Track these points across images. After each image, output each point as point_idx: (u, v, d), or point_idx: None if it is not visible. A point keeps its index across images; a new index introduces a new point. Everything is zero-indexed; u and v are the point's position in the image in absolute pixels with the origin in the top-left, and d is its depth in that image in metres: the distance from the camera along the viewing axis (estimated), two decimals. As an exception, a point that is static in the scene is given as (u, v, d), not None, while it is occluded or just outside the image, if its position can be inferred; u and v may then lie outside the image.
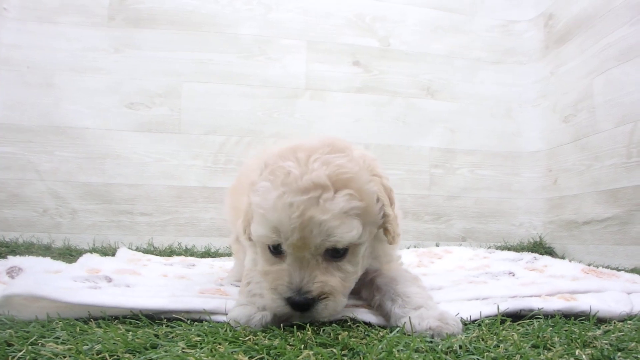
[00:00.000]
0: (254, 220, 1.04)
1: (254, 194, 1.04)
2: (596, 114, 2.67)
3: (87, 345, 0.80)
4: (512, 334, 0.91)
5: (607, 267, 1.96)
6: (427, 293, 1.14)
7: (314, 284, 0.96)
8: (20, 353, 0.75)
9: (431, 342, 0.88)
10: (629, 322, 1.07)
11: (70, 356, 0.74)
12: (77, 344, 0.80)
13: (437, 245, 2.96)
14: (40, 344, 0.81)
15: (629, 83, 2.45)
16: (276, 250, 1.01)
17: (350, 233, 0.97)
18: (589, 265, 1.97)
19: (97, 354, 0.76)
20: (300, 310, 0.97)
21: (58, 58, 2.82)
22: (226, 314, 1.07)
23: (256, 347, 0.80)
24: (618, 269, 1.97)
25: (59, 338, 0.85)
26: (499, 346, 0.83)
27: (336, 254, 1.01)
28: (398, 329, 0.97)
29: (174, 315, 1.06)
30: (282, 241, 0.98)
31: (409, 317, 0.98)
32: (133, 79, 2.90)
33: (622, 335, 0.92)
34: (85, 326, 0.95)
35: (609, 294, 1.26)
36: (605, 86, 2.61)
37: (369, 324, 1.04)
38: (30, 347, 0.78)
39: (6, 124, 2.73)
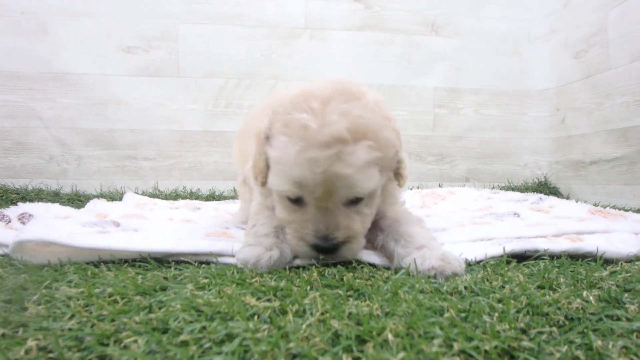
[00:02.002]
0: (272, 172, 1.04)
1: (270, 147, 1.03)
2: (609, 49, 2.54)
3: (99, 288, 0.82)
4: (518, 275, 0.92)
5: (614, 207, 1.95)
6: (430, 234, 1.14)
7: (338, 231, 1.00)
8: (35, 297, 0.76)
9: (436, 282, 0.89)
10: (636, 263, 1.08)
11: (83, 299, 0.76)
12: (89, 287, 0.81)
13: (441, 186, 2.96)
14: (54, 288, 0.83)
15: (646, 16, 2.31)
16: (296, 200, 1.03)
17: (371, 183, 1.00)
18: (596, 205, 1.97)
19: (109, 297, 0.77)
20: (326, 253, 1.02)
21: (50, 3, 2.71)
22: (233, 256, 1.09)
23: (263, 288, 0.82)
24: (625, 210, 1.97)
25: (72, 282, 0.87)
26: (504, 287, 0.84)
27: (355, 200, 1.03)
28: (403, 270, 0.98)
29: (182, 258, 1.08)
30: (304, 194, 1.00)
31: (414, 258, 1.00)
32: (127, 23, 2.79)
33: (629, 276, 0.93)
34: (97, 270, 0.97)
35: (616, 235, 1.26)
36: (620, 19, 2.47)
37: (373, 265, 1.06)
38: (44, 291, 0.80)
39: (5, 72, 2.68)
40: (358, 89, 1.07)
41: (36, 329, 0.64)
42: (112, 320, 0.66)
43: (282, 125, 1.00)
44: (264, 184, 1.09)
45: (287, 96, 1.06)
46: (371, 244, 1.21)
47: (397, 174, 1.13)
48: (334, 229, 1.00)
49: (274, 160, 1.02)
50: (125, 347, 0.58)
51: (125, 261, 1.06)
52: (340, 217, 1.01)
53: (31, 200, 2.10)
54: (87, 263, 1.04)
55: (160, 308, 0.71)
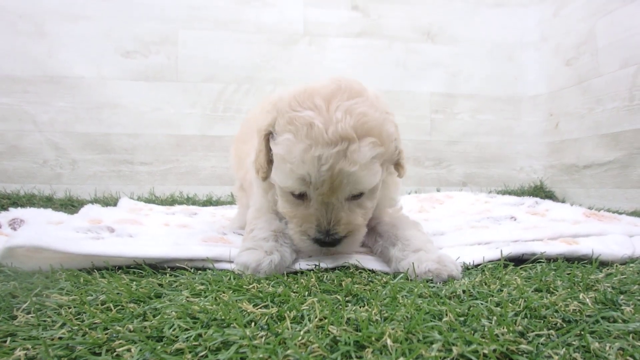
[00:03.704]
0: (276, 168, 1.05)
1: (274, 143, 1.04)
2: (599, 56, 2.60)
3: (92, 295, 0.81)
4: (515, 278, 0.92)
5: (608, 210, 1.96)
6: (427, 237, 1.15)
7: (340, 226, 1.03)
8: (25, 305, 0.75)
9: (434, 287, 0.88)
10: (631, 265, 1.08)
11: (74, 307, 0.74)
12: (81, 294, 0.80)
13: (438, 191, 2.96)
14: (44, 295, 0.81)
15: (633, 25, 2.36)
16: (300, 195, 1.05)
17: (375, 178, 1.03)
18: (590, 208, 1.97)
19: (102, 304, 0.76)
20: (327, 247, 1.05)
21: (49, 5, 2.70)
22: (230, 262, 1.08)
23: (260, 294, 0.81)
24: (619, 212, 1.98)
25: (63, 289, 0.86)
26: (502, 290, 0.84)
27: (358, 194, 1.05)
28: (401, 274, 0.98)
29: (178, 264, 1.07)
30: (309, 190, 1.01)
31: (412, 264, 0.99)
32: (126, 27, 2.79)
33: (625, 278, 0.93)
34: (89, 277, 0.96)
35: (611, 237, 1.26)
36: (609, 28, 2.52)
37: (372, 271, 1.05)
38: (34, 299, 0.78)
39: (0, 74, 2.66)
40: (359, 86, 1.09)
41: (25, 338, 0.63)
42: (105, 329, 0.64)
43: (286, 123, 1.01)
44: (265, 178, 1.10)
45: (289, 93, 1.07)
46: (370, 249, 1.20)
47: (397, 165, 1.16)
48: (336, 223, 1.02)
49: (278, 157, 1.03)
50: (118, 356, 0.57)
51: (119, 267, 1.05)
52: (342, 211, 1.03)
53: (23, 206, 2.07)
54: (80, 270, 1.02)
55: (154, 315, 0.70)
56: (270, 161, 1.09)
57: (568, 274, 0.97)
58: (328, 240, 1.03)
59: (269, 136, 1.08)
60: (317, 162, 0.96)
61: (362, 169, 0.98)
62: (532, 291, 0.84)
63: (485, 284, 0.89)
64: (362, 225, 1.08)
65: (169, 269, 1.05)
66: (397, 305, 0.75)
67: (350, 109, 0.99)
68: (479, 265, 1.08)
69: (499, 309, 0.73)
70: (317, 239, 1.03)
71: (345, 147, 0.96)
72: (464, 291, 0.83)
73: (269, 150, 1.08)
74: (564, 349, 0.59)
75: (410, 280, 0.96)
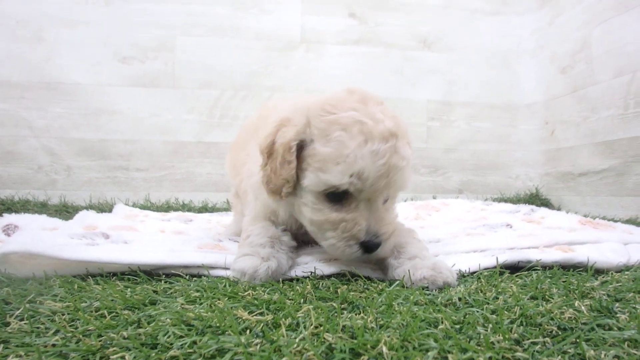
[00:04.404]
0: (321, 170, 1.01)
1: (314, 147, 1.01)
2: (594, 64, 2.62)
3: (86, 302, 0.80)
4: (511, 286, 0.92)
5: (603, 218, 1.97)
6: (422, 244, 1.14)
7: (384, 226, 1.03)
8: (18, 311, 0.74)
9: (430, 294, 0.88)
10: (626, 272, 1.08)
11: (68, 314, 0.74)
12: (75, 301, 0.79)
13: (435, 198, 2.97)
14: (38, 302, 0.81)
15: (628, 33, 2.38)
16: (336, 198, 1.02)
17: (411, 177, 1.06)
18: (586, 216, 1.98)
19: (96, 311, 0.76)
20: (371, 252, 1.02)
21: (47, 11, 2.70)
22: (225, 269, 1.08)
23: (256, 302, 0.80)
24: (614, 220, 1.99)
25: (57, 295, 0.85)
26: (497, 298, 0.84)
27: (387, 198, 1.07)
28: (397, 282, 0.98)
29: (173, 271, 1.06)
30: (357, 189, 0.99)
31: (407, 271, 0.99)
32: (124, 33, 2.80)
33: (620, 285, 0.93)
34: (83, 283, 0.95)
35: (606, 245, 1.26)
36: (604, 36, 2.55)
37: (368, 278, 1.05)
38: (28, 305, 0.78)
39: (-4, 79, 2.66)
40: (375, 94, 1.11)
41: (18, 345, 0.62)
42: (99, 336, 0.64)
43: (328, 124, 1.00)
44: (287, 195, 1.07)
45: (311, 103, 1.07)
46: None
47: None
48: (383, 225, 1.03)
49: (325, 159, 1.00)
50: (113, 362, 0.57)
51: (114, 274, 1.04)
52: (383, 213, 1.04)
53: (17, 212, 2.06)
54: (74, 276, 1.02)
55: (149, 322, 0.69)
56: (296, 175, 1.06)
57: (564, 281, 0.97)
58: (376, 242, 1.01)
59: (299, 146, 1.04)
60: (374, 157, 0.97)
61: (407, 165, 1.02)
62: (527, 299, 0.84)
63: (481, 292, 0.89)
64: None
65: (164, 276, 1.04)
66: (392, 313, 0.74)
67: (385, 111, 1.03)
68: (474, 272, 1.08)
69: (494, 316, 0.73)
70: (367, 241, 1.00)
71: (394, 143, 0.99)
72: (459, 299, 0.83)
73: (300, 161, 1.05)
74: (559, 357, 0.59)
75: (406, 287, 0.96)
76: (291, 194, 1.07)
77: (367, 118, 0.99)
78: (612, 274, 1.08)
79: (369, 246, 1.01)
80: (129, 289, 0.90)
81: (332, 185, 1.00)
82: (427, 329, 0.66)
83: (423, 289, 0.93)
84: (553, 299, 0.84)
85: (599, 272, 1.10)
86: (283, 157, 1.04)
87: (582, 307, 0.77)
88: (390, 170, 0.99)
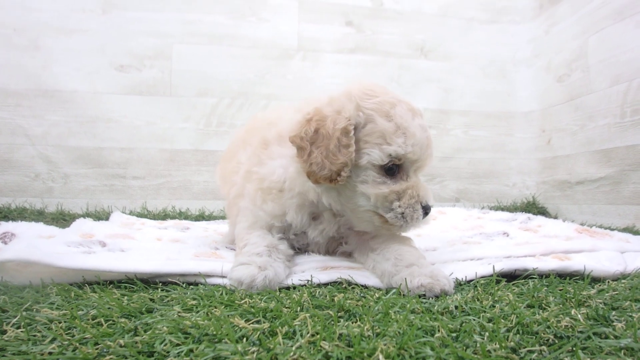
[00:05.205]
0: (383, 143, 1.10)
1: (385, 120, 1.11)
2: (590, 73, 2.64)
3: (82, 310, 0.80)
4: (508, 294, 0.92)
5: (600, 226, 1.97)
6: (419, 252, 1.15)
7: (428, 193, 1.17)
8: (15, 319, 0.74)
9: (427, 302, 0.88)
10: (622, 281, 1.09)
11: (65, 321, 0.73)
12: (72, 309, 0.79)
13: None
14: (34, 310, 0.81)
15: (624, 42, 2.40)
16: (392, 173, 1.13)
17: None
18: (582, 224, 1.99)
19: (93, 319, 0.75)
20: (426, 215, 1.15)
21: (44, 19, 2.71)
22: (222, 277, 1.07)
23: (252, 310, 0.80)
24: (611, 229, 1.99)
25: (54, 303, 0.85)
26: (494, 306, 0.84)
27: None
28: (394, 290, 0.98)
29: (169, 279, 1.06)
30: (416, 157, 1.12)
31: (405, 279, 0.99)
32: (121, 41, 2.81)
33: (616, 294, 0.93)
34: (80, 291, 0.95)
35: (603, 253, 1.27)
36: (600, 45, 2.57)
37: (364, 286, 1.05)
38: (24, 313, 0.77)
39: (-7, 87, 2.66)
40: None
41: (15, 353, 0.62)
42: (96, 344, 0.64)
43: (379, 104, 1.12)
44: (344, 179, 1.10)
45: (349, 89, 1.17)
46: (362, 264, 1.20)
47: None
48: (427, 191, 1.16)
49: (386, 132, 1.10)
50: (109, 371, 0.57)
51: (111, 282, 1.04)
52: (424, 184, 1.18)
53: (14, 219, 2.05)
54: (71, 284, 1.02)
55: (146, 330, 0.69)
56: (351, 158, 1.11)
57: (560, 290, 0.97)
58: (430, 205, 1.15)
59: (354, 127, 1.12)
60: (422, 130, 1.13)
61: (433, 143, 1.19)
62: (524, 307, 0.84)
63: (478, 300, 0.89)
64: None
65: (160, 284, 1.04)
66: (389, 321, 0.74)
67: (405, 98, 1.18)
68: (471, 281, 1.09)
69: (491, 324, 0.73)
70: (425, 206, 1.13)
71: (425, 123, 1.15)
72: (456, 307, 0.83)
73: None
74: (555, 365, 0.59)
75: (403, 295, 0.96)
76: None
77: (402, 99, 1.15)
78: (608, 282, 1.08)
79: (427, 209, 1.14)
80: (125, 297, 0.89)
81: (397, 155, 1.10)
82: (423, 337, 0.66)
83: (420, 297, 0.94)
84: (550, 307, 0.84)
85: (595, 280, 1.11)
86: (339, 141, 1.09)
87: (579, 316, 0.77)
88: (430, 143, 1.16)
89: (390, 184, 1.12)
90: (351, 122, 1.10)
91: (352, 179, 1.13)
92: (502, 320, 0.75)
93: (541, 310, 0.82)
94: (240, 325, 0.71)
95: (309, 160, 1.11)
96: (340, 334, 0.67)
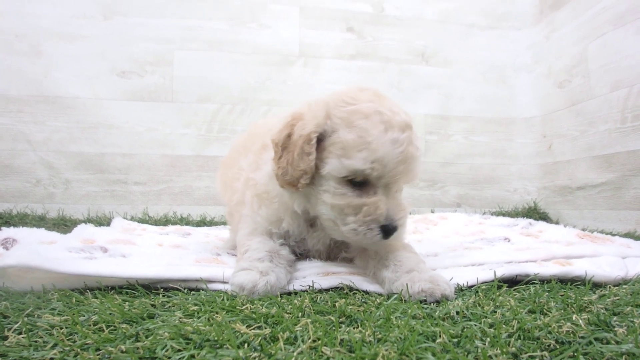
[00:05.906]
0: (343, 156, 1.05)
1: (337, 136, 1.06)
2: (591, 79, 2.65)
3: (84, 316, 0.80)
4: (509, 300, 0.92)
5: (601, 231, 1.97)
6: (419, 257, 1.15)
7: (399, 212, 1.08)
8: (17, 325, 0.74)
9: (428, 308, 0.88)
10: (624, 286, 1.08)
11: (66, 327, 0.74)
12: (73, 314, 0.79)
13: (432, 212, 2.97)
14: (36, 316, 0.81)
15: (624, 48, 2.41)
16: (356, 185, 1.07)
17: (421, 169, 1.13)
18: (583, 230, 1.99)
19: (94, 325, 0.75)
20: (389, 235, 1.06)
21: (45, 25, 2.73)
22: (224, 282, 1.07)
23: (254, 315, 0.80)
24: (612, 234, 1.99)
25: (55, 309, 0.85)
26: (495, 312, 0.84)
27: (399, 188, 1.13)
28: (395, 295, 0.98)
29: (171, 285, 1.06)
30: (377, 176, 1.04)
31: (406, 284, 0.99)
32: (122, 47, 2.82)
33: (618, 299, 0.93)
34: (81, 297, 0.95)
35: (604, 259, 1.27)
36: (600, 51, 2.58)
37: (366, 292, 1.05)
38: (26, 319, 0.77)
39: (-5, 93, 2.67)
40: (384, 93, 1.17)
41: (16, 358, 0.62)
42: (97, 350, 0.64)
43: (349, 113, 1.06)
44: (303, 186, 1.10)
45: (323, 98, 1.14)
46: (363, 270, 1.20)
47: None
48: (397, 210, 1.07)
49: (347, 145, 1.05)
50: (111, 376, 0.57)
51: (112, 288, 1.04)
52: (398, 199, 1.10)
53: (15, 225, 2.05)
54: (72, 290, 1.02)
55: (147, 336, 0.69)
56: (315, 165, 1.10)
57: (561, 295, 0.97)
58: (394, 225, 1.05)
59: (319, 137, 1.09)
60: (394, 145, 1.03)
61: (420, 156, 1.09)
62: (525, 312, 0.84)
63: (479, 305, 0.89)
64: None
65: (162, 290, 1.04)
66: (390, 326, 0.74)
67: (398, 105, 1.10)
68: (472, 286, 1.09)
69: (492, 330, 0.73)
70: (386, 225, 1.04)
71: (410, 134, 1.06)
72: (457, 312, 0.83)
73: (319, 151, 1.09)
74: (557, 371, 0.59)
75: (404, 301, 0.96)
76: (308, 185, 1.11)
77: (384, 108, 1.06)
78: (610, 287, 1.08)
79: (388, 230, 1.05)
80: (127, 303, 0.89)
81: (355, 170, 1.05)
82: (425, 342, 0.66)
83: (421, 303, 0.93)
84: (551, 312, 0.84)
85: (596, 285, 1.11)
86: (302, 149, 1.08)
87: (580, 321, 0.77)
88: (407, 159, 1.05)
89: (350, 197, 1.07)
90: (316, 130, 1.07)
91: (316, 187, 1.11)
92: (504, 326, 0.75)
93: (542, 316, 0.82)
94: (241, 331, 0.71)
95: (279, 164, 1.12)
96: (342, 340, 0.67)
